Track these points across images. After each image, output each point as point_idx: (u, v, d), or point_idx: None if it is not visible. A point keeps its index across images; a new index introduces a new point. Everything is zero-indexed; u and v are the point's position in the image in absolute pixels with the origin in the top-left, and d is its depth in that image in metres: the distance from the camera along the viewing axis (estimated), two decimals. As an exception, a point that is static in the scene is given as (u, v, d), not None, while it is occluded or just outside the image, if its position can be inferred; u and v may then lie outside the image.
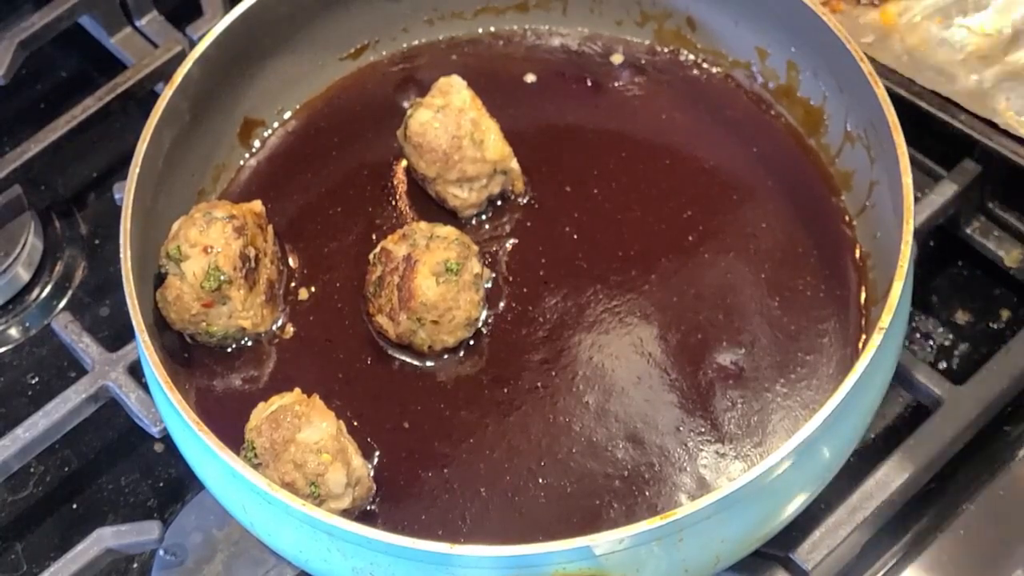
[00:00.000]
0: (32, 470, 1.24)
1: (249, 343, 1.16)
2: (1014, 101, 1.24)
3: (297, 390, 1.07)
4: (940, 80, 1.24)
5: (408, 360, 1.14)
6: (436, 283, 1.10)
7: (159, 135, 1.15)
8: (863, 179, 1.18)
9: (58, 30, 1.38)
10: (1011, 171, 1.21)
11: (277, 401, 1.06)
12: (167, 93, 1.16)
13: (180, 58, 1.28)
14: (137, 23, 1.42)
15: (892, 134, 1.10)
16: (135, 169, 1.12)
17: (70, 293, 1.35)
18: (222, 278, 1.11)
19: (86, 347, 1.19)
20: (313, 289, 1.19)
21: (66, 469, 1.25)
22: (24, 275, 1.35)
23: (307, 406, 1.05)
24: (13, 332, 1.33)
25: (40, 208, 1.38)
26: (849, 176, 1.20)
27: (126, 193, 1.11)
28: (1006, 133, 1.21)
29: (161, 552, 1.13)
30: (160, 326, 1.14)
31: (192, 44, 1.35)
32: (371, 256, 1.15)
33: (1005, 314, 1.27)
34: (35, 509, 1.23)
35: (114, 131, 1.40)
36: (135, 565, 1.18)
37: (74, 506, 1.23)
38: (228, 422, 1.07)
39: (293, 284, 1.19)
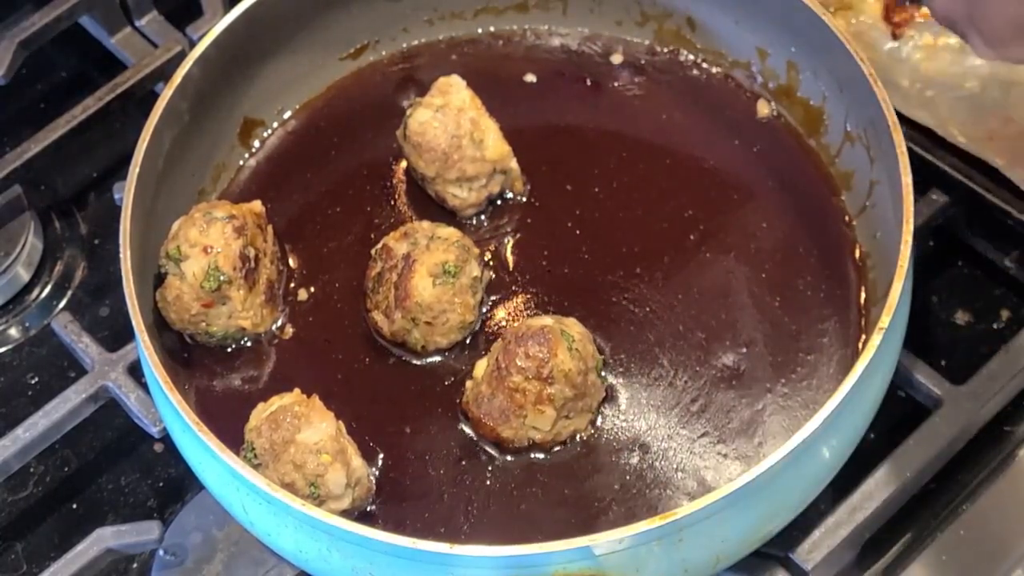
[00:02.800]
0: (32, 470, 1.24)
1: (249, 343, 1.16)
2: (957, 111, 1.25)
3: (297, 390, 1.07)
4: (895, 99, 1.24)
5: (406, 358, 1.14)
6: (432, 284, 1.10)
7: (159, 135, 1.15)
8: (863, 179, 1.18)
9: (58, 30, 1.38)
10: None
11: (277, 401, 1.06)
12: (167, 93, 1.16)
13: (180, 58, 1.28)
14: (137, 23, 1.42)
15: (892, 134, 1.10)
16: (135, 169, 1.12)
17: (70, 293, 1.35)
18: (222, 278, 1.11)
19: (86, 347, 1.19)
20: (312, 289, 1.19)
21: (66, 469, 1.24)
22: (24, 275, 1.35)
23: (307, 407, 1.05)
24: (13, 332, 1.33)
25: (40, 208, 1.38)
26: (849, 176, 1.20)
27: (126, 193, 1.11)
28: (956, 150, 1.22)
29: (161, 552, 1.13)
30: (160, 326, 1.14)
31: (192, 44, 1.35)
32: (373, 251, 1.15)
33: (1005, 314, 1.26)
34: (35, 509, 1.23)
35: (114, 131, 1.40)
36: (135, 565, 1.18)
37: (74, 506, 1.23)
38: (228, 422, 1.07)
39: (292, 284, 1.19)
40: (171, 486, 1.22)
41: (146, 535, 1.11)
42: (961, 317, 1.27)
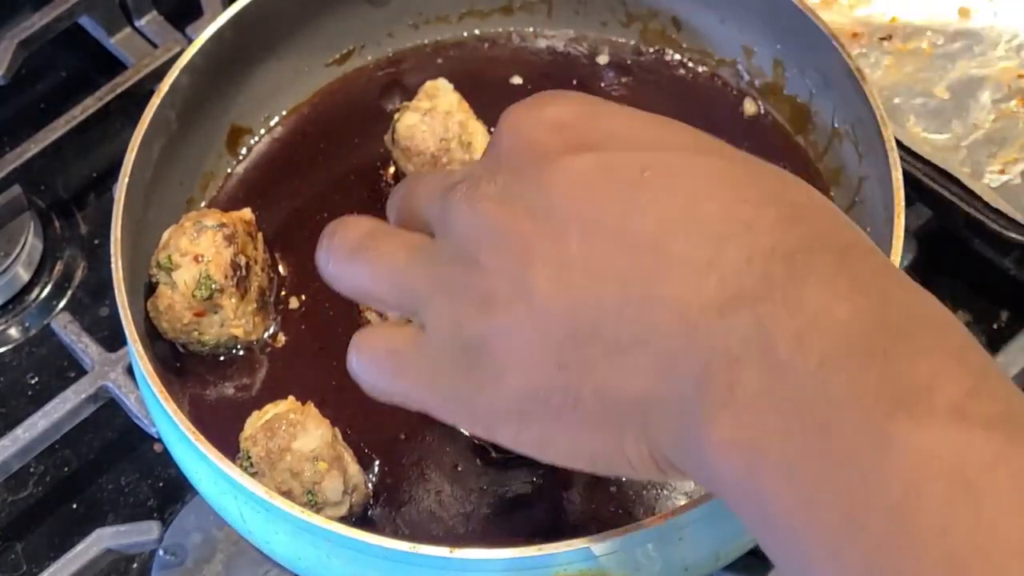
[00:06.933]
0: (32, 470, 1.24)
1: (241, 352, 1.16)
2: (922, 118, 1.25)
3: (291, 398, 1.07)
4: None
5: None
6: (425, 282, 1.10)
7: (148, 145, 1.14)
8: (852, 175, 1.18)
9: (58, 30, 1.38)
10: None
11: (272, 409, 1.06)
12: (154, 102, 1.15)
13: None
14: (137, 23, 1.42)
15: (880, 129, 1.10)
16: (124, 180, 1.11)
17: (70, 293, 1.35)
18: (213, 287, 1.10)
19: (86, 347, 1.19)
20: (304, 297, 1.19)
21: (66, 469, 1.24)
22: (24, 275, 1.34)
23: (302, 414, 1.05)
24: (13, 332, 1.33)
25: (40, 208, 1.38)
26: (837, 172, 1.20)
27: (116, 204, 1.10)
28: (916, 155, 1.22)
29: (161, 552, 1.13)
30: (152, 336, 1.13)
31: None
32: (365, 255, 1.15)
33: (1005, 314, 1.27)
34: (35, 509, 1.23)
35: (114, 131, 1.40)
36: (135, 565, 1.18)
37: (74, 506, 1.23)
38: (221, 431, 1.06)
39: (283, 292, 1.19)
40: (171, 486, 1.22)
41: (146, 535, 1.11)
42: (961, 317, 1.26)
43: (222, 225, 1.12)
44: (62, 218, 1.39)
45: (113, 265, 1.08)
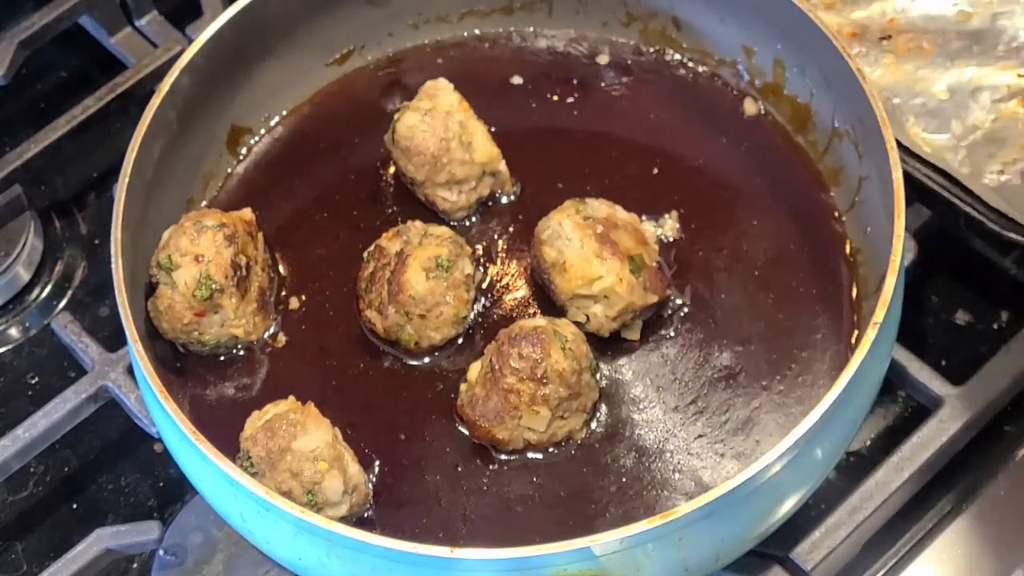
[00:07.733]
0: (32, 470, 1.24)
1: (241, 352, 1.16)
2: (921, 119, 1.25)
3: (291, 398, 1.07)
4: None
5: (400, 359, 1.14)
6: (426, 278, 1.10)
7: (148, 145, 1.14)
8: (852, 174, 1.18)
9: (58, 30, 1.38)
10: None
11: (272, 409, 1.06)
12: (155, 103, 1.16)
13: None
14: (137, 23, 1.42)
15: (880, 129, 1.10)
16: (124, 179, 1.11)
17: (70, 293, 1.35)
18: (214, 287, 1.10)
19: (86, 347, 1.19)
20: (304, 297, 1.19)
21: (66, 469, 1.25)
22: (24, 275, 1.35)
23: (302, 414, 1.05)
24: (13, 332, 1.33)
25: (40, 208, 1.38)
26: (838, 172, 1.20)
27: (116, 203, 1.10)
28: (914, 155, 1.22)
29: (161, 552, 1.13)
30: (152, 335, 1.13)
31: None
32: (365, 254, 1.15)
33: (1005, 314, 1.27)
34: (35, 509, 1.23)
35: (114, 131, 1.40)
36: (135, 565, 1.18)
37: (74, 506, 1.23)
38: (222, 431, 1.07)
39: (284, 292, 1.19)
40: (171, 486, 1.22)
41: (146, 535, 1.11)
42: (961, 317, 1.27)
43: (222, 225, 1.12)
44: (62, 218, 1.39)
45: (113, 265, 1.08)
